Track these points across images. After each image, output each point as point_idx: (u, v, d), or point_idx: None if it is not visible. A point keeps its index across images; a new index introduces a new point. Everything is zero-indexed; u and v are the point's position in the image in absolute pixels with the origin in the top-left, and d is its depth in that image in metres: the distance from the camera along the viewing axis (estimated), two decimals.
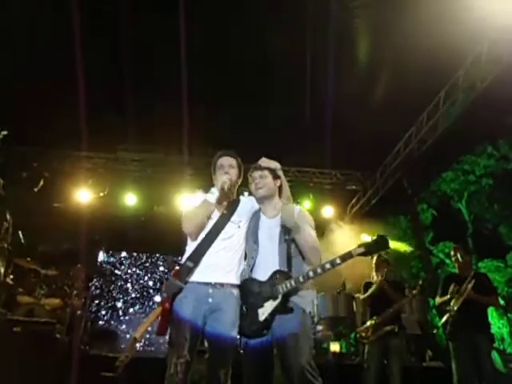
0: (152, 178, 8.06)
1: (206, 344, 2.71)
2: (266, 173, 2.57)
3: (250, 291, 2.40)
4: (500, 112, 6.84)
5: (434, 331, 5.19)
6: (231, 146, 2.77)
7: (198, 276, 2.38)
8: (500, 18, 4.55)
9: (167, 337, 2.48)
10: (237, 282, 2.45)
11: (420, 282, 4.51)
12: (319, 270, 2.28)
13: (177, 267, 2.53)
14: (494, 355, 4.78)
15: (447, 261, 10.52)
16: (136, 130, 6.81)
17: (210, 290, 2.35)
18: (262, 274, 2.40)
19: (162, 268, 9.76)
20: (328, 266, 2.28)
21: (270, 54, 5.61)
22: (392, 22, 5.29)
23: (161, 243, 8.74)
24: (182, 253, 2.62)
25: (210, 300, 2.33)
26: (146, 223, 8.44)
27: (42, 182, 7.62)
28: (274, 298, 2.30)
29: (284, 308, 2.29)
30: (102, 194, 7.92)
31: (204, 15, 5.35)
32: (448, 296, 4.07)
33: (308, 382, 2.15)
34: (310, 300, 2.42)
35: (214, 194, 2.49)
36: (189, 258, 2.40)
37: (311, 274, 2.28)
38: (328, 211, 8.26)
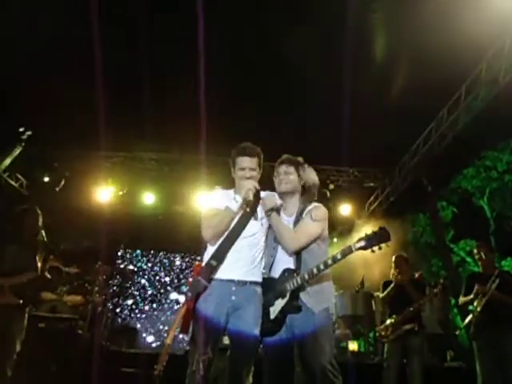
0: (169, 177, 8.14)
1: (227, 341, 2.73)
2: (292, 169, 2.55)
3: (263, 290, 2.42)
4: None
5: (457, 332, 5.08)
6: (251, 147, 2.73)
7: (221, 274, 2.38)
8: None
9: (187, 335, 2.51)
10: (260, 279, 2.45)
11: (441, 281, 4.43)
12: (322, 266, 2.27)
13: (197, 265, 2.54)
14: None
15: (468, 259, 10.30)
16: (153, 129, 6.88)
17: (233, 288, 2.35)
18: (279, 271, 2.42)
19: (179, 266, 9.86)
20: (330, 261, 2.27)
21: (287, 53, 5.57)
22: (412, 17, 5.18)
23: (178, 241, 8.84)
24: (198, 251, 2.63)
25: (233, 298, 2.34)
26: (163, 222, 8.55)
27: (63, 182, 7.80)
28: (283, 297, 2.32)
29: (291, 306, 2.29)
30: (121, 193, 8.05)
31: (220, 14, 5.35)
32: (472, 296, 3.98)
33: (329, 381, 2.14)
34: (326, 296, 2.40)
35: (237, 202, 2.43)
36: (212, 257, 2.40)
37: (315, 270, 2.27)
38: (346, 209, 8.19)
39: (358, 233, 8.53)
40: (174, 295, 9.59)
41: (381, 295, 4.49)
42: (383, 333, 4.25)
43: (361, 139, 6.18)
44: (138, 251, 9.71)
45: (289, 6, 5.26)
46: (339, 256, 2.24)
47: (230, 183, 2.72)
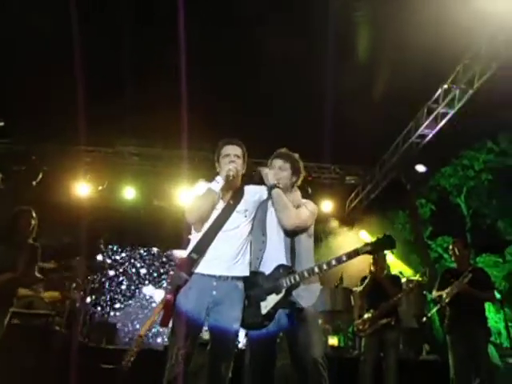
0: (151, 172, 8.06)
1: (207, 336, 2.72)
2: (288, 166, 2.55)
3: (252, 284, 2.40)
4: (499, 107, 6.84)
5: (423, 319, 5.24)
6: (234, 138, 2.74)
7: (202, 268, 2.35)
8: (498, 14, 4.54)
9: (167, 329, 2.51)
10: (242, 273, 2.42)
11: (417, 277, 4.53)
12: (325, 267, 2.29)
13: (181, 259, 2.52)
14: (491, 349, 4.81)
15: (445, 255, 10.55)
16: (134, 124, 6.80)
17: (215, 283, 2.33)
18: (267, 266, 2.40)
19: (160, 261, 9.79)
20: (334, 262, 2.29)
21: (270, 49, 5.59)
22: (391, 19, 5.28)
23: (160, 236, 8.76)
24: (180, 246, 2.61)
25: (214, 293, 2.32)
26: (144, 217, 8.45)
27: (40, 176, 7.62)
28: (278, 292, 2.31)
29: (287, 302, 2.30)
30: (100, 188, 7.92)
31: (202, 11, 5.33)
32: (446, 290, 4.09)
33: (319, 374, 2.17)
34: (315, 293, 2.42)
35: (218, 183, 2.41)
36: (193, 250, 2.37)
37: (316, 269, 2.29)
38: (327, 206, 8.27)
39: (339, 231, 8.65)
40: (153, 290, 9.52)
41: (358, 290, 4.58)
42: (361, 327, 4.33)
43: (343, 136, 6.26)
44: (121, 247, 9.59)
45: (272, 3, 5.28)
46: (344, 258, 2.28)
47: (212, 178, 2.71)
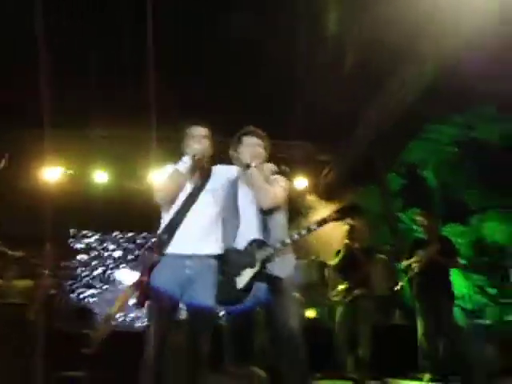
0: (121, 154, 7.87)
1: (182, 316, 2.77)
2: (262, 143, 2.57)
3: (226, 261, 2.43)
4: (468, 83, 7.02)
5: (396, 288, 5.51)
6: (198, 118, 2.72)
7: (173, 248, 2.38)
8: None
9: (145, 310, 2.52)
10: (214, 252, 2.46)
11: (388, 247, 4.71)
12: (296, 236, 2.34)
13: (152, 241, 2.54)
14: (456, 312, 5.11)
15: (415, 227, 10.95)
16: (104, 106, 6.58)
17: (187, 262, 2.37)
18: (244, 243, 2.43)
19: (133, 244, 9.70)
20: (304, 231, 2.35)
21: (236, 23, 5.48)
22: None
23: (132, 220, 8.64)
24: (153, 229, 2.61)
25: (187, 271, 2.36)
26: (117, 200, 8.29)
27: (3, 162, 7.30)
28: (252, 266, 2.34)
29: (262, 275, 2.34)
30: (70, 172, 7.70)
31: None
32: (414, 259, 4.28)
33: (296, 345, 2.23)
34: (290, 264, 2.47)
35: (185, 163, 2.44)
36: (163, 231, 2.41)
37: (288, 240, 2.34)
38: (301, 183, 8.36)
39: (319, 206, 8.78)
40: (127, 273, 9.46)
41: (332, 262, 4.73)
42: (335, 298, 4.50)
43: (312, 113, 6.28)
44: (93, 231, 9.41)
45: None
46: (314, 226, 2.33)
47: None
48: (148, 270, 2.36)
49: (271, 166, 2.57)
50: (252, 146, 2.54)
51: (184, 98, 6.42)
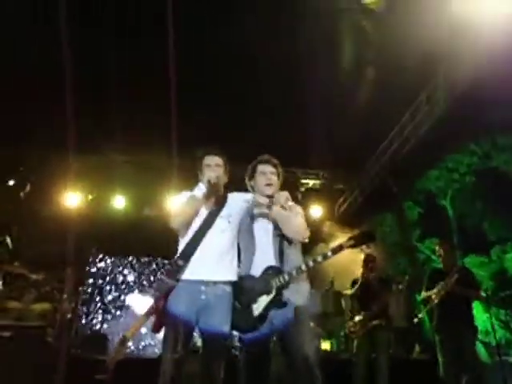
0: (140, 180, 8.05)
1: (198, 343, 2.76)
2: (275, 170, 2.60)
3: (242, 288, 2.44)
4: (482, 110, 7.03)
5: (415, 320, 5.35)
6: (217, 146, 2.80)
7: (189, 274, 2.40)
8: (486, 16, 4.64)
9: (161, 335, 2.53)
10: (230, 278, 2.47)
11: (406, 277, 4.63)
12: (311, 263, 2.35)
13: (168, 266, 2.57)
14: (480, 347, 4.92)
15: (433, 257, 10.71)
16: (123, 132, 6.81)
17: (203, 288, 2.38)
18: (259, 269, 2.44)
19: (150, 270, 9.74)
20: (319, 258, 2.36)
21: (259, 55, 5.68)
22: (375, 25, 5.41)
23: (150, 245, 8.73)
24: (171, 254, 2.64)
25: (203, 297, 2.37)
26: (135, 225, 8.43)
27: (28, 187, 7.57)
28: (268, 293, 2.35)
29: (278, 302, 2.34)
30: (90, 197, 7.89)
31: (190, 15, 5.40)
32: (434, 291, 4.18)
33: (311, 373, 2.21)
34: (305, 292, 2.46)
35: (201, 190, 2.50)
36: (179, 256, 2.42)
37: (303, 267, 2.35)
38: (316, 211, 8.36)
39: (330, 235, 8.73)
40: (138, 298, 9.46)
41: (349, 292, 4.66)
42: (352, 329, 4.40)
43: (330, 142, 6.37)
44: (111, 257, 9.51)
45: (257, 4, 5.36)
46: (329, 253, 2.35)
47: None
48: (164, 295, 2.38)
49: (286, 194, 2.60)
50: (266, 174, 2.57)
51: (201, 126, 6.60)
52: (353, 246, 2.39)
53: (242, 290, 2.45)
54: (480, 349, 5.60)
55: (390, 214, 11.04)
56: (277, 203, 2.50)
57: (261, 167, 2.66)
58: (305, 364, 2.21)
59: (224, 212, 2.56)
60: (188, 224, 2.49)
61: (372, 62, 6.13)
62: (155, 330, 2.46)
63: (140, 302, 9.27)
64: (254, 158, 2.77)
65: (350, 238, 2.41)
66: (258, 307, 2.38)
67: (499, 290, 9.53)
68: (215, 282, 2.41)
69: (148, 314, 3.37)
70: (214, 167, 2.61)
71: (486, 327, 9.39)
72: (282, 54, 5.83)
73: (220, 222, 2.51)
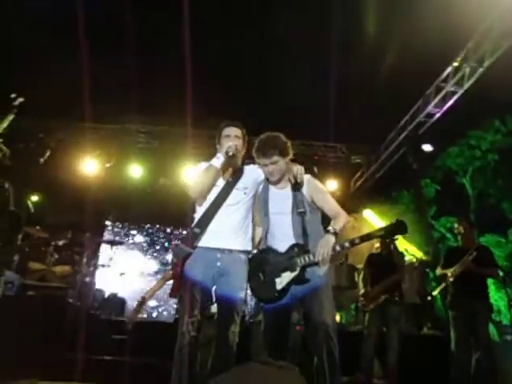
0: (157, 150, 8.09)
1: (213, 310, 2.84)
2: (276, 157, 2.48)
3: (267, 261, 2.50)
4: (508, 87, 6.75)
5: (429, 298, 5.38)
6: (234, 118, 2.78)
7: (205, 242, 2.46)
8: None
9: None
10: (245, 248, 2.53)
11: (421, 255, 4.61)
12: (338, 248, 2.38)
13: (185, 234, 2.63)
14: (490, 326, 4.92)
15: (448, 235, 10.64)
16: (141, 102, 6.79)
17: (219, 255, 2.44)
18: (278, 244, 2.50)
19: (166, 238, 9.94)
20: (347, 244, 2.41)
21: (277, 29, 5.52)
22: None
23: (166, 214, 8.87)
24: (185, 223, 2.69)
25: (219, 264, 2.43)
26: (151, 195, 8.54)
27: (48, 153, 7.67)
28: (292, 270, 2.40)
29: (301, 279, 2.40)
30: (108, 165, 7.98)
31: None
32: (451, 269, 4.15)
33: (330, 339, 2.26)
34: (324, 272, 2.48)
35: (219, 159, 2.51)
36: (196, 225, 2.48)
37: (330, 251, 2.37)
38: (332, 185, 8.29)
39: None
40: (159, 266, 9.71)
41: (363, 267, 4.67)
42: (364, 302, 4.44)
43: (349, 115, 6.23)
44: (128, 223, 9.72)
45: None
46: (357, 241, 2.39)
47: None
48: (181, 261, 2.44)
49: (300, 168, 2.57)
50: (269, 165, 2.47)
51: (225, 95, 6.52)
52: (382, 237, 2.40)
53: (267, 263, 2.50)
54: (491, 327, 5.61)
55: (407, 191, 10.92)
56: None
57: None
58: (324, 331, 2.26)
59: (240, 184, 2.59)
60: (206, 193, 2.52)
61: (396, 35, 5.88)
62: (172, 294, 2.54)
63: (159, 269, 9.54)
64: (271, 130, 2.72)
65: (380, 229, 2.44)
66: (281, 282, 2.43)
67: None
68: (230, 250, 2.46)
69: (165, 278, 3.47)
70: (233, 138, 2.61)
71: (498, 306, 9.39)
72: (302, 26, 5.64)
73: (236, 194, 2.55)
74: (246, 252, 2.54)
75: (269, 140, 2.52)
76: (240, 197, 2.56)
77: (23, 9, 5.38)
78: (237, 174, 2.61)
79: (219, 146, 2.66)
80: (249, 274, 2.52)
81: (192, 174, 2.66)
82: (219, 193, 2.53)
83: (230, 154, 2.49)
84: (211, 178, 2.50)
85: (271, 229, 2.54)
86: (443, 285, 4.18)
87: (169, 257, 9.60)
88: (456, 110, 6.24)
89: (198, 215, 2.54)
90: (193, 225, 2.50)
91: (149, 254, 9.84)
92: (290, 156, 2.57)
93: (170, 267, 2.70)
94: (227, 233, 2.48)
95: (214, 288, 2.45)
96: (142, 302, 3.23)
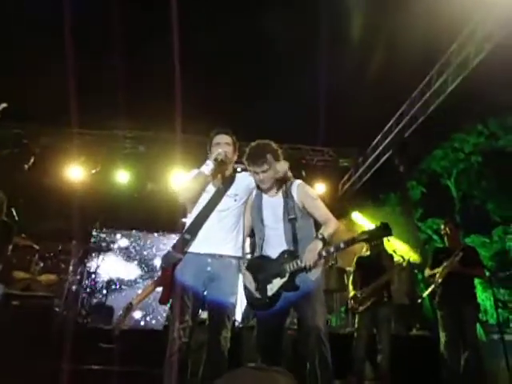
0: (144, 156, 8.03)
1: (203, 315, 2.82)
2: (265, 166, 2.50)
3: (259, 268, 2.52)
4: (491, 90, 6.91)
5: (419, 300, 5.43)
6: (224, 123, 2.80)
7: (196, 247, 2.47)
8: None
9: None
10: (236, 253, 2.54)
11: (408, 255, 4.65)
12: (324, 253, 2.41)
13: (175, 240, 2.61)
14: (478, 326, 4.99)
15: (435, 237, 10.78)
16: (128, 107, 6.73)
17: (209, 260, 2.45)
18: (271, 251, 2.52)
19: (153, 244, 9.83)
20: (332, 249, 2.44)
21: (266, 29, 5.55)
22: (384, 3, 5.26)
23: (153, 220, 8.79)
24: (173, 229, 2.68)
25: (209, 269, 2.44)
26: (138, 200, 8.45)
27: (32, 160, 7.54)
28: (282, 276, 2.43)
29: (291, 285, 2.41)
30: (94, 171, 7.88)
31: None
32: (439, 269, 4.21)
33: (322, 343, 2.27)
34: (317, 272, 2.50)
35: (208, 166, 2.51)
36: (186, 231, 2.48)
37: (316, 256, 2.39)
38: (320, 188, 8.34)
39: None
40: (143, 273, 9.59)
41: (352, 269, 4.69)
42: (354, 304, 4.45)
43: (336, 119, 6.28)
44: (115, 230, 9.58)
45: None
46: (342, 245, 2.43)
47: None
48: (171, 267, 2.44)
49: (284, 164, 2.56)
50: (257, 175, 2.50)
51: (212, 100, 6.51)
52: (366, 240, 2.42)
53: (259, 269, 2.52)
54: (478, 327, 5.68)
55: (393, 194, 11.05)
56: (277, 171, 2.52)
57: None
58: (316, 336, 2.27)
59: (231, 191, 2.61)
60: (195, 199, 2.54)
61: (381, 38, 5.97)
62: (163, 301, 2.52)
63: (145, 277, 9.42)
64: (258, 134, 2.74)
65: (363, 232, 2.45)
66: (272, 288, 2.45)
67: (499, 271, 9.64)
68: (221, 255, 2.47)
69: (155, 284, 3.43)
70: (223, 145, 2.63)
71: (485, 306, 9.54)
72: (291, 31, 5.69)
73: (227, 200, 2.57)
74: (237, 257, 2.54)
75: (259, 148, 2.54)
76: (231, 203, 2.57)
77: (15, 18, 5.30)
78: (228, 181, 2.63)
79: (210, 153, 2.67)
80: (243, 281, 2.55)
81: (181, 181, 2.65)
82: (210, 199, 2.54)
83: (219, 159, 2.50)
84: (200, 184, 2.51)
85: (266, 237, 2.56)
86: (432, 286, 4.23)
87: (157, 262, 9.50)
88: (440, 112, 6.34)
89: (188, 221, 2.54)
90: (183, 231, 2.50)
91: (136, 260, 9.72)
92: (281, 161, 2.57)
93: (159, 273, 2.67)
94: (218, 238, 2.49)
95: (204, 293, 2.44)
96: (129, 309, 3.18)
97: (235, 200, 2.59)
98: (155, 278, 2.69)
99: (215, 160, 2.50)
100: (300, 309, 2.40)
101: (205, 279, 2.42)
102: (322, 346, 2.26)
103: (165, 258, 2.55)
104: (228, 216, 2.54)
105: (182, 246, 2.45)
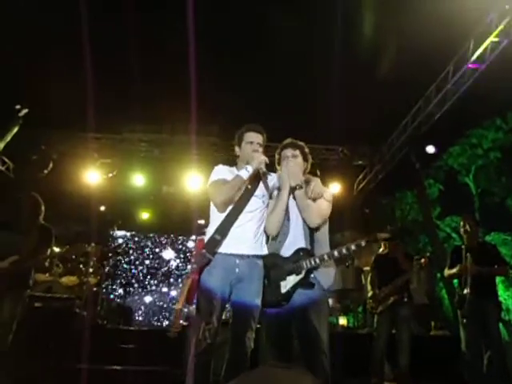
0: (159, 159, 8.11)
1: (228, 315, 2.84)
2: (298, 152, 2.59)
3: (273, 264, 2.52)
4: (508, 85, 6.75)
5: (438, 301, 5.35)
6: (237, 124, 2.78)
7: (225, 248, 2.46)
8: None
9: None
10: (261, 252, 2.55)
11: (427, 254, 4.57)
12: (344, 251, 2.40)
13: (200, 240, 2.63)
14: (500, 325, 4.87)
15: (453, 235, 10.59)
16: (142, 111, 6.83)
17: (237, 261, 2.45)
18: (285, 249, 2.52)
19: (169, 246, 9.92)
20: (353, 247, 2.41)
21: (279, 29, 5.55)
22: None
23: (169, 222, 8.88)
24: (189, 231, 2.69)
25: (237, 270, 2.44)
26: (154, 203, 8.56)
27: (51, 165, 7.69)
28: (297, 273, 2.42)
29: (306, 283, 2.41)
30: (110, 175, 8.00)
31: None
32: (455, 270, 4.11)
33: (324, 355, 2.28)
34: (332, 276, 2.51)
35: (248, 172, 2.50)
36: (216, 231, 2.48)
37: (336, 253, 2.40)
38: (335, 187, 8.29)
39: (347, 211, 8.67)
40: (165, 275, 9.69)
41: (370, 268, 4.64)
42: (373, 304, 4.40)
43: (351, 117, 6.24)
44: (132, 233, 9.72)
45: None
46: (363, 243, 2.40)
47: (224, 163, 2.76)
48: (200, 268, 2.44)
49: (318, 182, 2.58)
50: (291, 157, 2.56)
51: (226, 102, 6.54)
52: (388, 239, 2.41)
53: (273, 266, 2.52)
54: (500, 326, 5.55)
55: (410, 192, 10.89)
56: (306, 188, 2.53)
57: (284, 151, 2.67)
58: (319, 347, 2.28)
59: (258, 191, 2.62)
60: (231, 201, 2.53)
61: (397, 34, 5.90)
62: (188, 301, 2.54)
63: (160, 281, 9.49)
64: (275, 136, 2.75)
65: (385, 231, 2.46)
66: (285, 285, 2.45)
67: None
68: (248, 256, 2.48)
69: (188, 285, 3.44)
70: (255, 145, 2.61)
71: (507, 305, 9.32)
72: (304, 30, 5.67)
73: (255, 201, 2.58)
74: (261, 257, 2.56)
75: (295, 141, 2.67)
76: (258, 204, 2.59)
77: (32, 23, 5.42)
78: (255, 182, 2.63)
79: (239, 149, 2.67)
80: None
81: (213, 180, 2.64)
82: (239, 200, 2.54)
83: (264, 170, 2.54)
84: (239, 189, 2.52)
85: (290, 234, 2.56)
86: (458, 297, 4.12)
87: (173, 264, 9.59)
88: (457, 108, 6.24)
89: (216, 222, 2.53)
90: (213, 231, 2.50)
91: (153, 261, 9.82)
92: (308, 161, 2.65)
93: (188, 274, 2.70)
94: (247, 239, 2.50)
95: (230, 294, 2.44)
96: (178, 313, 3.26)
97: (263, 202, 2.61)
98: (188, 279, 2.71)
99: (259, 170, 2.52)
100: (305, 317, 2.38)
101: (232, 280, 2.42)
102: (323, 357, 2.27)
103: (196, 258, 2.57)
104: (255, 216, 2.56)
105: (212, 246, 2.45)
